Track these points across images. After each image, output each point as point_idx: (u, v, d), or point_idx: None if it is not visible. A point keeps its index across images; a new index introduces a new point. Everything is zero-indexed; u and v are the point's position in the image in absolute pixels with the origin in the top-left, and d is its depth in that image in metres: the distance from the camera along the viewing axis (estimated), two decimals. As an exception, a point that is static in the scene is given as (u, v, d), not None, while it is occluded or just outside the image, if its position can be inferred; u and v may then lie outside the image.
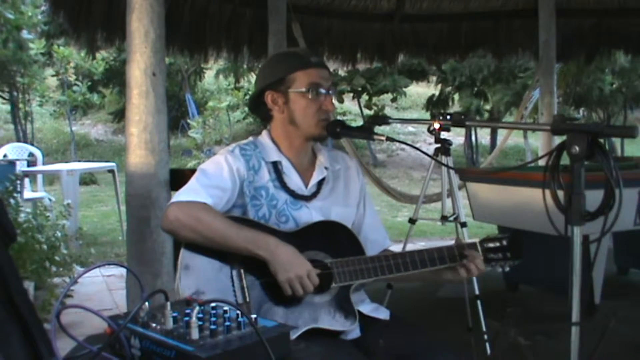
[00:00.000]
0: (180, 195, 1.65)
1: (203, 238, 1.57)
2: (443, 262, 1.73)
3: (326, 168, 1.84)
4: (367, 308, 1.77)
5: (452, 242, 1.80)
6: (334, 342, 1.60)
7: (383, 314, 1.79)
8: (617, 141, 13.62)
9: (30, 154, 7.11)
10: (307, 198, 1.77)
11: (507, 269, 1.83)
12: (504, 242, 1.82)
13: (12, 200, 3.88)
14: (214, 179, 1.68)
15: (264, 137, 1.83)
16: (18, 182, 4.33)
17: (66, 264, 3.94)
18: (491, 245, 1.80)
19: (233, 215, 1.68)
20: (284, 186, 1.75)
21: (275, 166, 1.77)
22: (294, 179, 1.78)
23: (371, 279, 1.68)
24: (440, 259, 1.73)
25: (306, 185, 1.79)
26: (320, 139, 1.81)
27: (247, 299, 1.54)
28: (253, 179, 1.73)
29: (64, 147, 14.32)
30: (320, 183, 1.81)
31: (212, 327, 1.05)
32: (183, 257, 1.58)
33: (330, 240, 1.69)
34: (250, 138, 1.85)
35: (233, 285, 1.56)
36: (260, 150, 1.78)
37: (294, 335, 1.48)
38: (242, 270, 1.58)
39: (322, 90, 1.74)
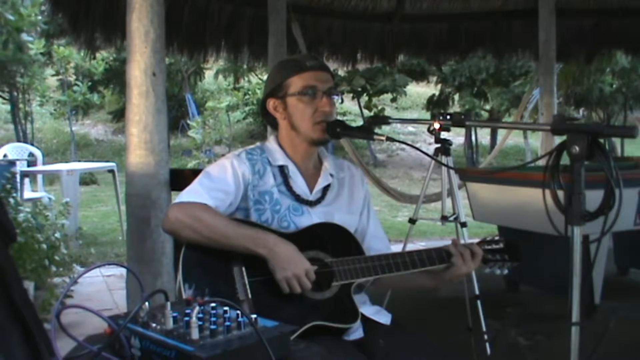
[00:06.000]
0: (182, 197, 1.67)
1: (203, 237, 1.58)
2: (442, 262, 1.74)
3: (331, 175, 1.84)
4: (369, 310, 1.77)
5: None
6: (335, 342, 1.60)
7: (385, 318, 1.78)
8: (617, 141, 13.63)
9: (30, 154, 7.11)
10: (311, 203, 1.78)
11: (506, 271, 1.83)
12: (501, 245, 1.82)
13: (11, 200, 3.88)
14: (217, 182, 1.69)
15: (272, 142, 1.84)
16: (17, 180, 4.33)
17: (66, 264, 3.94)
18: (488, 247, 1.81)
19: (236, 218, 1.70)
20: (289, 190, 1.76)
21: (282, 170, 1.78)
22: (299, 184, 1.79)
23: (371, 277, 1.69)
24: (440, 259, 1.74)
25: (311, 190, 1.80)
26: (322, 142, 1.81)
27: (249, 296, 1.55)
28: (257, 184, 1.74)
29: (64, 147, 14.32)
30: (325, 189, 1.82)
31: (212, 327, 1.05)
32: (184, 254, 1.59)
33: (331, 242, 1.70)
34: (258, 143, 1.87)
35: (235, 282, 1.56)
36: (267, 155, 1.80)
37: (295, 333, 1.48)
38: (243, 267, 1.59)
39: (318, 92, 1.75)
